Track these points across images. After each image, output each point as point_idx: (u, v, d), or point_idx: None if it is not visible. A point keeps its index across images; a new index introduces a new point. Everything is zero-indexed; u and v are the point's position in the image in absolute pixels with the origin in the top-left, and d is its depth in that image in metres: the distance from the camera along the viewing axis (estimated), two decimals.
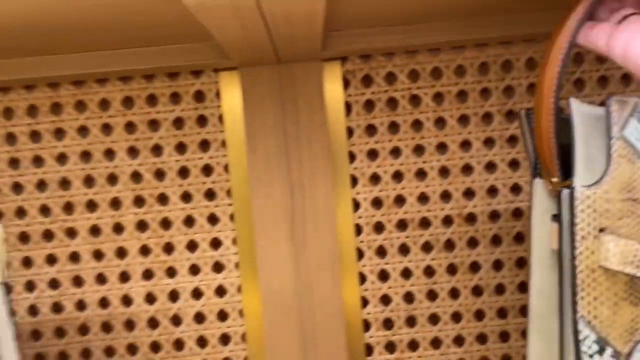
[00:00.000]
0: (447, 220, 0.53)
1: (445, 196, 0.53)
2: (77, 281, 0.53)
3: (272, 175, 0.51)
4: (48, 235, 0.52)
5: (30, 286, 0.53)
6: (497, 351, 0.53)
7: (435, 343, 0.54)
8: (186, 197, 0.53)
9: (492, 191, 0.53)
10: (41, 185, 0.52)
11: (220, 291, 0.54)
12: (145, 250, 0.53)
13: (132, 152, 0.53)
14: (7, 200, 0.52)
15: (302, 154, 0.51)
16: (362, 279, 0.53)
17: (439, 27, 0.48)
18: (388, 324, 0.54)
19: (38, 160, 0.52)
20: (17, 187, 0.52)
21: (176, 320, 0.53)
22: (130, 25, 0.42)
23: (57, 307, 0.53)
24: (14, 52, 0.47)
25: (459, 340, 0.54)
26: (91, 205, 0.53)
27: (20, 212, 0.52)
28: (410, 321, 0.54)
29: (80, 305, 0.53)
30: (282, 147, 0.51)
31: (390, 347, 0.54)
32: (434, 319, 0.54)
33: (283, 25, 0.34)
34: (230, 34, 0.36)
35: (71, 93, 0.52)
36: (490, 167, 0.53)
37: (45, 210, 0.52)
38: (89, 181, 0.52)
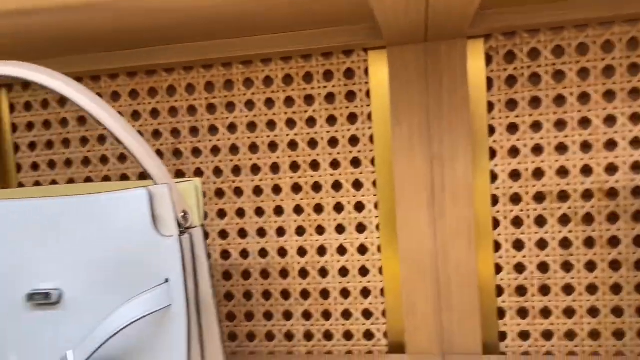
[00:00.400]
0: (587, 195, 0.54)
1: (586, 171, 0.54)
2: (242, 233, 0.62)
3: (414, 147, 0.56)
4: (219, 193, 0.62)
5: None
6: (634, 325, 0.54)
7: (569, 312, 0.55)
8: (335, 164, 0.59)
9: (636, 167, 0.53)
10: (215, 150, 0.62)
11: (362, 250, 0.60)
12: (298, 210, 0.60)
13: (290, 123, 0.60)
14: (187, 162, 0.62)
15: (444, 127, 0.55)
16: (497, 247, 0.56)
17: (587, 3, 0.49)
18: (521, 291, 0.56)
19: (213, 129, 0.61)
20: (196, 152, 0.62)
21: (323, 273, 0.60)
22: (296, 12, 0.48)
23: (225, 255, 0.62)
24: (196, 37, 0.56)
25: (593, 312, 0.55)
26: (255, 169, 0.61)
27: (197, 173, 0.62)
28: (544, 290, 0.56)
29: (244, 254, 0.62)
30: (424, 120, 0.55)
31: (523, 313, 0.56)
32: (568, 289, 0.55)
33: (443, 6, 0.38)
34: (392, 17, 0.41)
35: (241, 72, 0.60)
36: (636, 143, 0.53)
37: (218, 171, 0.62)
38: (253, 148, 0.61)
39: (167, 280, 0.40)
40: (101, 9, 0.43)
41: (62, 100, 0.64)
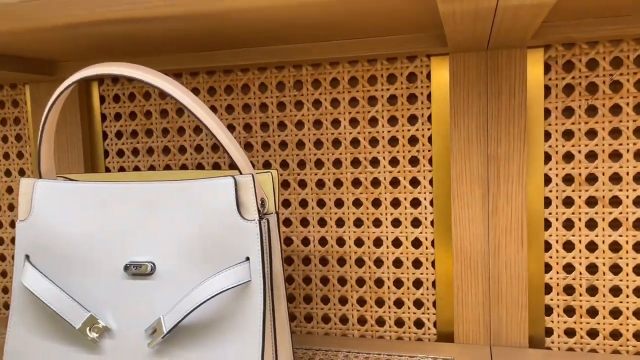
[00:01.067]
0: (638, 201, 0.56)
1: (639, 178, 0.56)
2: (304, 222, 0.67)
3: (471, 147, 0.59)
4: (285, 184, 0.67)
5: None
6: None
7: (615, 313, 0.58)
8: (394, 161, 0.63)
9: None
10: (282, 145, 0.67)
11: (416, 243, 0.63)
12: (357, 203, 0.65)
13: (353, 122, 0.64)
14: (257, 155, 0.67)
15: (501, 131, 0.58)
16: (547, 247, 0.59)
17: None
18: (569, 290, 0.59)
19: (282, 125, 0.67)
20: (265, 146, 0.67)
21: (378, 263, 0.65)
22: (367, 21, 0.52)
23: (287, 241, 0.67)
24: (270, 42, 0.61)
25: (639, 314, 0.57)
26: (319, 163, 0.66)
27: (266, 165, 0.67)
28: (592, 290, 0.58)
29: (305, 242, 0.67)
30: (483, 123, 0.59)
31: (570, 311, 0.59)
32: (615, 291, 0.57)
33: (509, 19, 0.41)
34: (459, 29, 0.44)
35: (310, 73, 0.65)
36: None
37: (284, 164, 0.67)
38: (318, 144, 0.66)
39: (247, 259, 0.45)
40: (201, 17, 0.49)
41: (147, 94, 0.70)
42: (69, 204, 0.48)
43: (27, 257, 0.48)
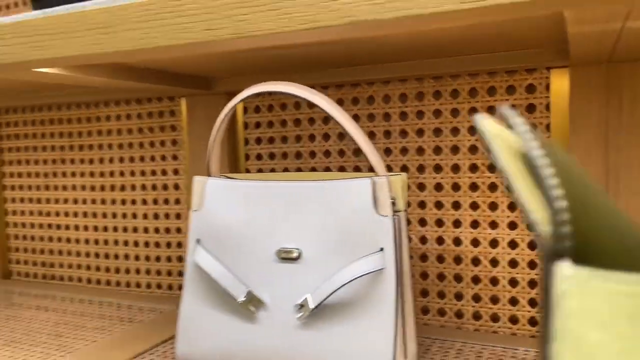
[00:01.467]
0: None
1: None
2: (422, 222, 0.73)
3: (590, 157, 0.62)
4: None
5: None
6: None
7: None
8: None
9: None
10: (403, 151, 0.73)
11: (532, 245, 0.67)
12: (474, 206, 0.69)
13: (472, 130, 0.69)
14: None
15: (621, 142, 0.60)
16: None
17: None
18: None
19: (403, 133, 0.73)
20: (388, 151, 0.74)
21: (494, 263, 0.69)
22: (492, 40, 0.57)
23: None
24: (393, 59, 0.67)
25: None
26: (437, 168, 0.71)
27: (387, 170, 0.74)
28: None
29: (423, 240, 0.73)
30: (602, 134, 0.61)
31: None
32: None
33: (633, 37, 0.45)
34: (584, 46, 0.48)
35: (431, 85, 0.71)
36: None
37: (404, 169, 0.73)
38: (437, 150, 0.71)
39: (382, 249, 0.52)
40: (335, 44, 0.57)
41: (283, 106, 0.80)
42: (232, 198, 0.58)
43: (198, 240, 0.59)
